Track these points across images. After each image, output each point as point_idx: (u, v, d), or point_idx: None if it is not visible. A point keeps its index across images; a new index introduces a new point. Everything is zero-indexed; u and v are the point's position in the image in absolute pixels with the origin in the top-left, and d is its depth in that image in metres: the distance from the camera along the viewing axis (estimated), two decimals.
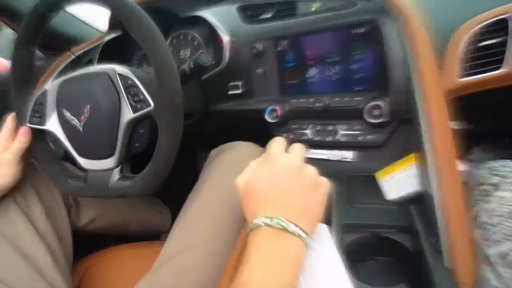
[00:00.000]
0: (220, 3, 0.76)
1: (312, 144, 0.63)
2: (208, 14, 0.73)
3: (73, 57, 0.86)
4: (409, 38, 0.51)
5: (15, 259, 0.55)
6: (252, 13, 0.72)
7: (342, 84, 0.63)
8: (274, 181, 0.37)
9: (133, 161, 0.59)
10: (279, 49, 0.67)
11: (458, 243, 0.39)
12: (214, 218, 0.54)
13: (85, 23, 0.94)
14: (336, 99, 0.61)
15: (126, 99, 0.51)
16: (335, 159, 0.62)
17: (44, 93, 0.57)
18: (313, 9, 0.63)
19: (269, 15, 0.69)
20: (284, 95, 0.68)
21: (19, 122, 0.60)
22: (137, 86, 0.50)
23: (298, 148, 0.40)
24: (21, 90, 0.59)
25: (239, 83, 0.71)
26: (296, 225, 0.34)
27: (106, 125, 0.53)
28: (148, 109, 0.50)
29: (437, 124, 0.43)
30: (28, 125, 0.59)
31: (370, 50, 0.59)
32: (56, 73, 0.84)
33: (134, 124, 0.53)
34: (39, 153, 0.61)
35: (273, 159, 0.38)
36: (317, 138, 0.64)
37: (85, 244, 0.78)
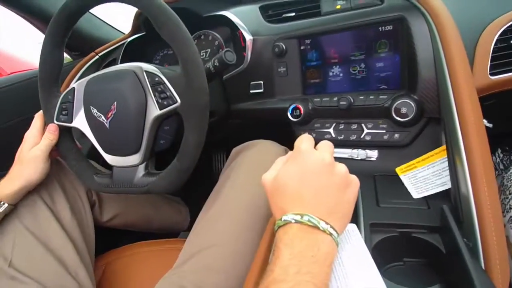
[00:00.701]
0: (243, 2, 0.77)
1: (335, 143, 0.62)
2: (231, 13, 0.73)
3: (97, 57, 0.88)
4: (440, 35, 0.50)
5: (40, 252, 0.56)
6: (275, 12, 0.72)
7: (366, 83, 0.62)
8: (304, 178, 0.36)
9: (157, 158, 0.60)
10: (302, 48, 0.66)
11: (495, 245, 0.37)
12: (237, 216, 0.54)
13: (109, 25, 0.96)
14: (361, 97, 0.60)
15: (153, 96, 0.52)
16: (359, 158, 0.61)
17: (71, 91, 0.59)
18: (338, 7, 0.62)
19: (292, 14, 0.69)
20: (307, 94, 0.68)
21: (47, 120, 0.61)
22: (164, 83, 0.51)
23: (326, 145, 0.40)
24: (49, 89, 0.60)
25: (261, 82, 0.71)
26: (327, 223, 0.34)
27: (132, 121, 0.53)
28: (174, 105, 0.50)
29: (472, 122, 0.42)
30: (56, 122, 0.60)
31: (397, 48, 0.58)
32: (80, 73, 0.86)
33: (160, 121, 0.53)
34: (66, 150, 0.62)
35: (303, 155, 0.38)
36: (341, 137, 0.63)
37: (107, 240, 0.79)
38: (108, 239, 0.82)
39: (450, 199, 0.48)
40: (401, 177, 0.55)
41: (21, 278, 0.53)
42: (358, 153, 0.61)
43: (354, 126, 0.62)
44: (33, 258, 0.55)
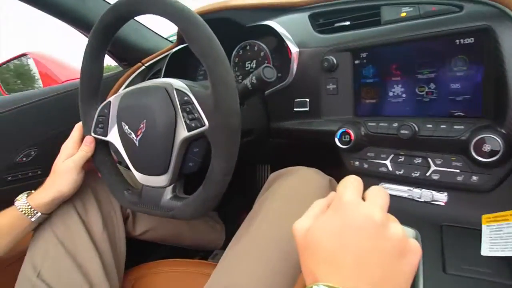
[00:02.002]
0: (291, 11, 0.69)
1: (392, 179, 0.52)
2: (276, 23, 0.67)
3: (143, 67, 0.88)
4: None
5: (67, 265, 0.55)
6: (327, 20, 0.63)
7: (436, 107, 0.50)
8: (345, 239, 0.28)
9: (188, 181, 0.56)
10: (356, 62, 0.57)
11: None
12: (266, 257, 0.47)
13: (158, 34, 0.96)
14: (429, 125, 0.48)
15: (182, 117, 0.48)
16: (422, 200, 0.49)
17: (107, 105, 0.58)
18: (403, 14, 0.52)
19: (346, 23, 0.59)
20: (360, 116, 0.58)
21: (85, 132, 0.61)
22: (193, 103, 0.46)
23: (379, 195, 0.30)
24: (88, 101, 0.60)
25: (307, 100, 0.63)
26: None
27: (160, 141, 0.50)
28: (202, 129, 0.46)
29: None
30: (93, 135, 0.60)
31: (480, 66, 0.46)
32: (127, 82, 0.87)
33: (188, 143, 0.50)
34: (100, 163, 0.61)
35: (346, 209, 0.29)
36: (400, 172, 0.52)
37: (140, 252, 0.78)
38: (141, 251, 0.81)
39: None
40: (483, 227, 0.43)
41: None
42: (421, 194, 0.49)
43: (418, 160, 0.50)
44: (60, 271, 0.55)
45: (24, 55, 1.40)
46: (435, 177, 0.48)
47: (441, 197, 0.48)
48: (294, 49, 0.63)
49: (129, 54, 0.86)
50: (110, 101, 0.57)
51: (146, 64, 0.88)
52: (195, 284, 0.55)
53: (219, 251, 0.95)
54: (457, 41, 0.47)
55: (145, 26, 0.90)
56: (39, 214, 0.55)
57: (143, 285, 0.69)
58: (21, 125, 0.76)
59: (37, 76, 1.38)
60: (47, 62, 1.36)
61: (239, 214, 0.90)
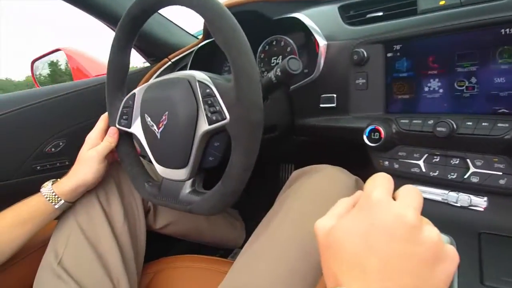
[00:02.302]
0: (320, 3, 0.67)
1: (426, 181, 0.48)
2: (304, 15, 0.64)
3: (169, 63, 0.89)
4: None
5: (88, 255, 0.56)
6: (357, 12, 0.60)
7: (478, 103, 0.46)
8: (371, 241, 0.25)
9: (208, 175, 0.55)
10: (389, 55, 0.53)
11: None
12: (284, 258, 0.45)
13: (184, 30, 0.97)
14: (469, 123, 0.44)
15: (203, 109, 0.47)
16: (458, 204, 0.45)
17: (132, 97, 0.58)
18: (442, 2, 0.48)
19: (379, 14, 0.56)
20: (391, 112, 0.54)
21: (110, 123, 0.62)
22: (214, 96, 0.45)
23: (412, 195, 0.27)
24: (114, 92, 0.61)
25: (334, 96, 0.60)
26: None
27: (181, 134, 0.50)
28: (223, 122, 0.44)
29: None
30: (117, 126, 0.60)
31: None
32: (153, 78, 0.88)
33: (208, 136, 0.49)
34: (123, 154, 0.62)
35: (374, 208, 0.27)
36: (434, 174, 0.48)
37: (161, 245, 0.78)
38: (161, 245, 0.81)
39: None
40: None
41: (65, 278, 0.53)
42: (458, 198, 0.45)
43: (455, 161, 0.46)
44: (80, 260, 0.56)
45: (57, 50, 1.47)
46: (474, 179, 0.44)
47: (480, 202, 0.44)
48: (322, 42, 0.60)
49: (156, 49, 0.87)
50: (134, 93, 0.58)
51: (173, 60, 0.88)
52: (212, 281, 0.54)
53: (239, 250, 0.94)
54: (503, 30, 0.43)
55: (172, 22, 0.91)
56: (62, 201, 0.57)
57: (161, 279, 0.69)
58: (51, 117, 0.79)
59: None
60: (78, 57, 1.42)
61: (260, 213, 0.89)
